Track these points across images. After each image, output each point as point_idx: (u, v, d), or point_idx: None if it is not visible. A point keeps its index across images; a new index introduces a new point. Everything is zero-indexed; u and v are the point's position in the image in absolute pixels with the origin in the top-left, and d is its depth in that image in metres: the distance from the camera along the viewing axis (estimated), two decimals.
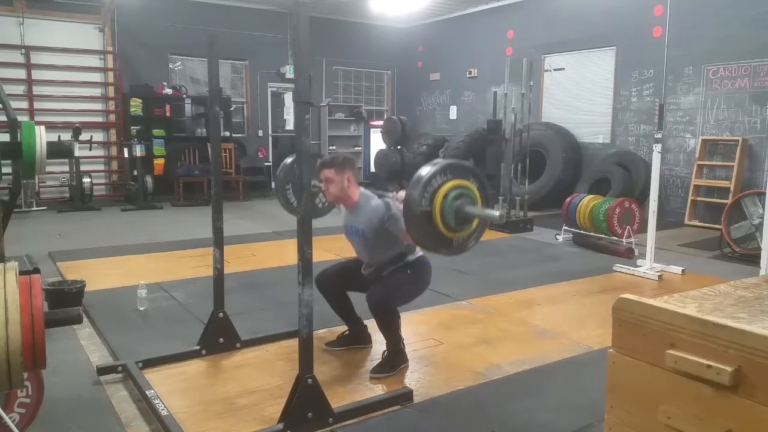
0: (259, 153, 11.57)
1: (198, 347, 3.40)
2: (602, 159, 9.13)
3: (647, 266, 5.38)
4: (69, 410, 2.79)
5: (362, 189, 3.30)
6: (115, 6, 10.01)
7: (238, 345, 3.50)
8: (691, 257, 6.20)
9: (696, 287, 1.97)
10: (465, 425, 2.73)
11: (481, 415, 2.83)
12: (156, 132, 10.20)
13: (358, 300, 3.34)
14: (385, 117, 12.00)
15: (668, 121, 8.29)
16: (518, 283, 5.07)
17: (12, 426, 2.11)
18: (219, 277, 3.41)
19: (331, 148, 11.98)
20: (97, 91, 10.23)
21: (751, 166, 7.58)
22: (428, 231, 2.57)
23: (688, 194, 8.09)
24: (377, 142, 10.40)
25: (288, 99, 12.20)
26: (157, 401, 2.74)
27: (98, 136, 9.99)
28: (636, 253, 5.92)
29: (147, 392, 2.82)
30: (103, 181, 10.31)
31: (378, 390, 3.04)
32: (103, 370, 3.15)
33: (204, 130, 10.48)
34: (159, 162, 10.10)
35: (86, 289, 4.23)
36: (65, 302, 3.77)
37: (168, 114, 10.31)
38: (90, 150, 9.36)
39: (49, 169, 6.08)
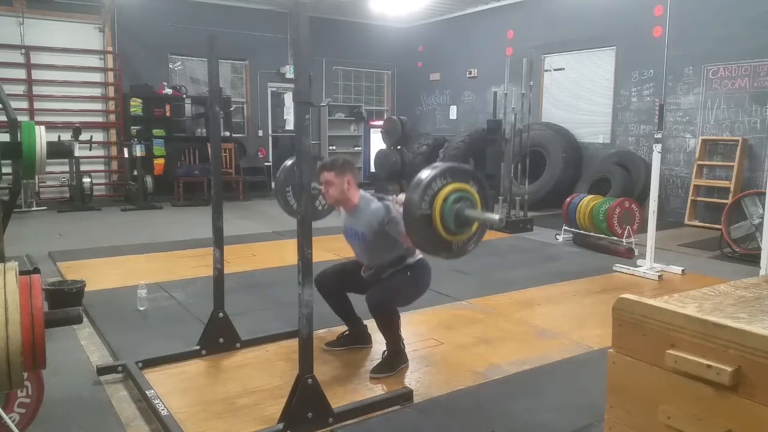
0: (259, 153, 11.57)
1: (198, 347, 3.40)
2: (602, 159, 9.13)
3: (647, 266, 5.38)
4: (69, 410, 2.79)
5: (362, 192, 3.30)
6: (115, 6, 10.01)
7: (238, 345, 3.50)
8: (691, 257, 6.20)
9: (696, 287, 1.97)
10: (465, 425, 2.73)
11: (481, 415, 2.83)
12: (156, 132, 10.21)
13: (358, 300, 3.34)
14: (385, 117, 12.00)
15: (668, 121, 8.29)
16: (518, 283, 5.07)
17: (12, 426, 2.10)
18: (219, 277, 3.41)
19: (331, 148, 11.98)
20: (97, 91, 10.23)
21: (751, 166, 7.58)
22: (428, 234, 2.56)
23: (688, 194, 8.09)
24: (377, 142, 10.39)
25: (288, 99, 12.20)
26: (157, 401, 2.74)
27: (98, 136, 9.99)
28: (636, 253, 5.92)
29: (147, 392, 2.82)
30: (103, 181, 10.31)
31: (378, 390, 3.04)
32: (103, 370, 3.15)
33: (204, 130, 10.48)
34: (159, 162, 10.10)
35: (86, 289, 4.24)
36: (65, 302, 3.77)
37: (168, 114, 10.31)
38: (90, 150, 9.36)
39: (49, 169, 6.08)
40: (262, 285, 5.01)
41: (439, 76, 12.41)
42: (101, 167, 10.33)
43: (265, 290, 4.87)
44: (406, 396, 2.88)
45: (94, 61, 10.14)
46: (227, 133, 10.40)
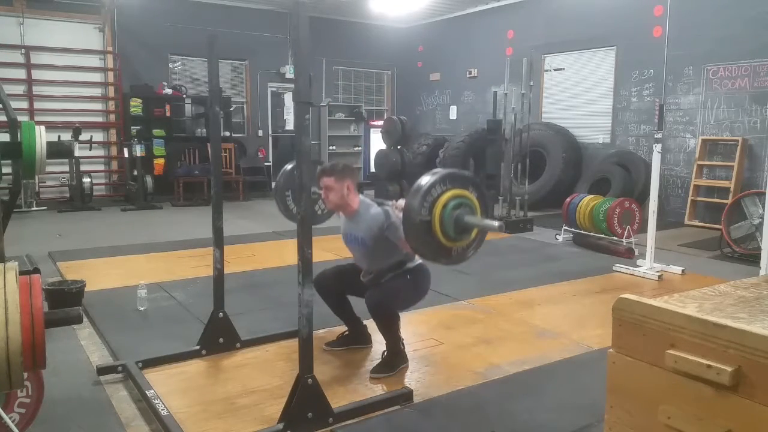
0: (259, 153, 11.57)
1: (198, 347, 3.40)
2: (602, 159, 9.13)
3: (647, 266, 5.38)
4: (69, 410, 2.79)
5: (362, 197, 3.30)
6: (115, 6, 10.01)
7: (238, 345, 3.50)
8: (691, 257, 6.20)
9: (696, 287, 1.97)
10: (465, 425, 2.73)
11: (481, 415, 2.83)
12: (156, 132, 10.20)
13: (358, 301, 3.34)
14: (385, 117, 12.00)
15: (668, 121, 8.30)
16: (518, 283, 5.07)
17: (12, 426, 2.10)
18: (219, 277, 3.41)
19: (331, 148, 11.98)
20: (97, 91, 10.23)
21: (751, 166, 7.58)
22: (427, 240, 2.57)
23: (688, 194, 8.09)
24: (377, 142, 10.40)
25: (288, 99, 12.20)
26: (157, 401, 2.74)
27: (98, 136, 9.99)
28: (636, 253, 5.92)
29: (147, 392, 2.82)
30: (103, 181, 10.31)
31: (378, 390, 3.04)
32: (103, 370, 3.15)
33: (204, 130, 10.48)
34: (159, 162, 10.10)
35: (86, 289, 4.24)
36: (65, 302, 3.77)
37: (168, 114, 10.31)
38: (90, 150, 9.36)
39: (49, 169, 6.08)
40: (262, 285, 5.01)
41: (439, 76, 12.41)
42: (101, 167, 10.33)
43: (265, 290, 4.87)
44: (406, 396, 2.88)
45: (94, 61, 10.14)
46: (227, 133, 10.41)
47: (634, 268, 5.44)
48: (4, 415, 2.08)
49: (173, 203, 9.75)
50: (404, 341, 3.36)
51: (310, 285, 2.53)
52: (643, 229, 5.96)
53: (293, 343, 3.05)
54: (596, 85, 9.53)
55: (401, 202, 2.90)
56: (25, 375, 2.05)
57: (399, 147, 8.85)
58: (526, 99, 7.74)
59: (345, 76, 12.83)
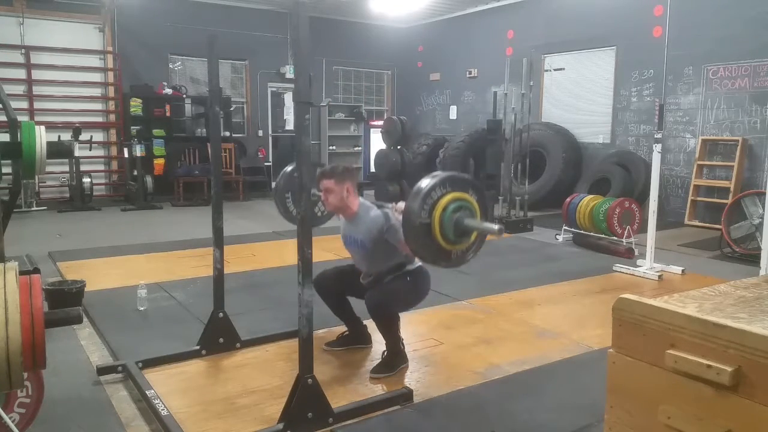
0: (259, 153, 11.57)
1: (198, 347, 3.40)
2: (602, 159, 9.13)
3: (647, 266, 5.38)
4: (69, 410, 2.79)
5: (361, 199, 3.31)
6: (115, 6, 10.01)
7: (238, 345, 3.50)
8: (691, 257, 6.20)
9: (696, 287, 1.97)
10: (465, 425, 2.73)
11: (481, 415, 2.83)
12: (156, 132, 10.20)
13: (358, 301, 3.34)
14: (385, 117, 12.00)
15: (668, 121, 8.29)
16: (518, 283, 5.07)
17: (12, 426, 2.10)
18: (219, 277, 3.41)
19: (331, 148, 11.98)
20: (97, 91, 10.23)
21: (751, 166, 7.58)
22: (427, 243, 2.57)
23: (688, 194, 8.09)
24: (377, 142, 10.39)
25: (288, 99, 12.20)
26: (157, 401, 2.74)
27: (98, 136, 9.99)
28: (636, 253, 5.92)
29: (147, 392, 2.82)
30: (103, 181, 10.31)
31: (378, 390, 3.04)
32: (103, 370, 3.15)
33: (204, 130, 10.48)
34: (159, 162, 10.10)
35: (86, 289, 4.24)
36: (65, 302, 3.77)
37: (168, 114, 10.31)
38: (90, 150, 9.36)
39: (49, 169, 6.08)
40: (262, 285, 5.01)
41: (439, 76, 12.41)
42: (101, 167, 10.33)
43: (265, 290, 4.87)
44: (406, 396, 2.88)
45: (94, 61, 10.14)
46: (227, 133, 10.41)
47: (634, 268, 5.44)
48: (4, 415, 2.08)
49: (173, 203, 9.75)
50: (404, 341, 3.36)
51: (310, 285, 2.53)
52: (643, 229, 5.96)
53: (293, 343, 3.06)
54: (596, 85, 9.53)
55: (401, 204, 2.91)
56: (25, 375, 2.05)
57: (399, 147, 8.84)
58: (526, 99, 7.75)
59: (345, 76, 12.83)
